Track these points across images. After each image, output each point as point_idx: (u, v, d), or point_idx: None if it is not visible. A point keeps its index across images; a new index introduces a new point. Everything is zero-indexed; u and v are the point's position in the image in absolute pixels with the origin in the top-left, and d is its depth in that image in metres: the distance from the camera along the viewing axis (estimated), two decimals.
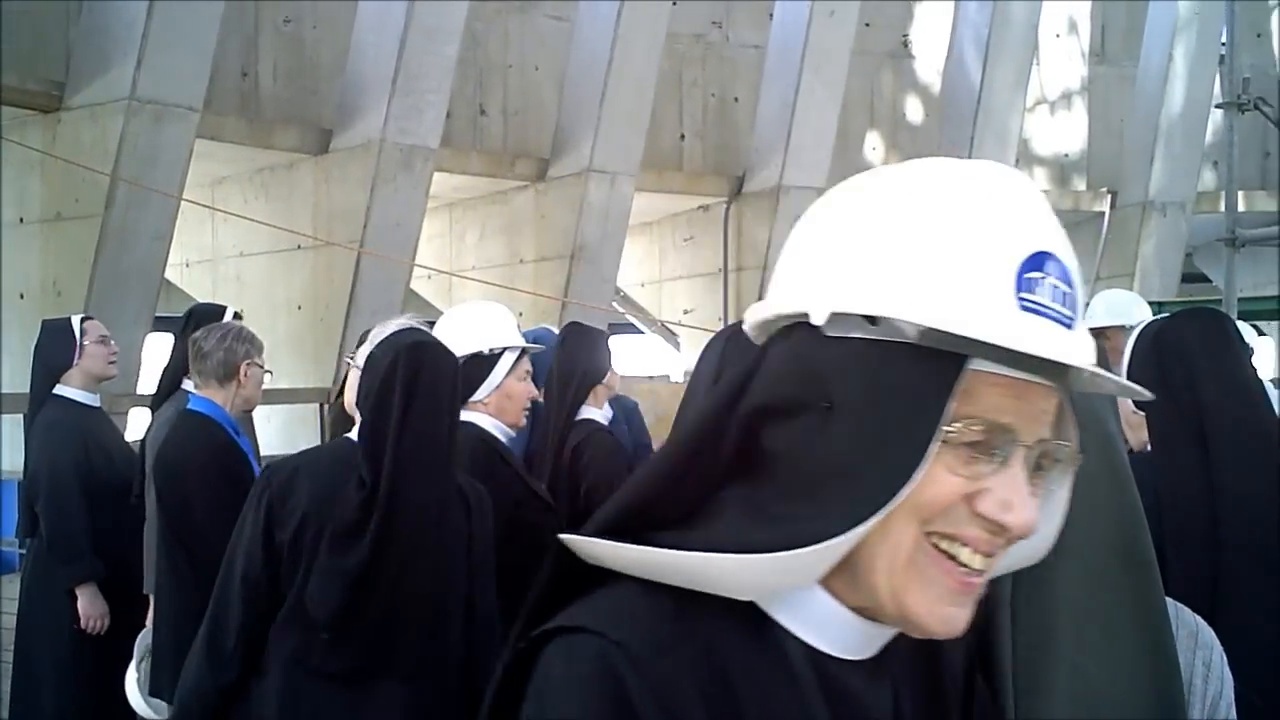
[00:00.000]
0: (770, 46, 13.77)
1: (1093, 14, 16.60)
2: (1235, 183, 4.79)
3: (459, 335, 3.06)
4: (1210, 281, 15.42)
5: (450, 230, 13.71)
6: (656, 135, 14.05)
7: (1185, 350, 2.14)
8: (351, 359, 2.65)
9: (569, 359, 3.64)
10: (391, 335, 2.49)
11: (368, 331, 2.97)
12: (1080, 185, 16.25)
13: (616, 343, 4.09)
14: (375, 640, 2.33)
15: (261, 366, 3.91)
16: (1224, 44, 16.60)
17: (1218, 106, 4.92)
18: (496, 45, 13.75)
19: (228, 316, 4.56)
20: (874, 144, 16.07)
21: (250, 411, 4.28)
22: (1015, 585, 1.12)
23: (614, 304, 14.45)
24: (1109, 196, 15.29)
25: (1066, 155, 16.47)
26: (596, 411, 3.61)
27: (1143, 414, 2.24)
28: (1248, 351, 2.19)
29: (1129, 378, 2.36)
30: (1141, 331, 2.28)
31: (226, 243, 10.97)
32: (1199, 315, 2.30)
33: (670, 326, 14.86)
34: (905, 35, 16.24)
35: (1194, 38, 13.89)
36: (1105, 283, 14.71)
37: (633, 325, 15.87)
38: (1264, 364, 5.94)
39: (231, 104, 11.41)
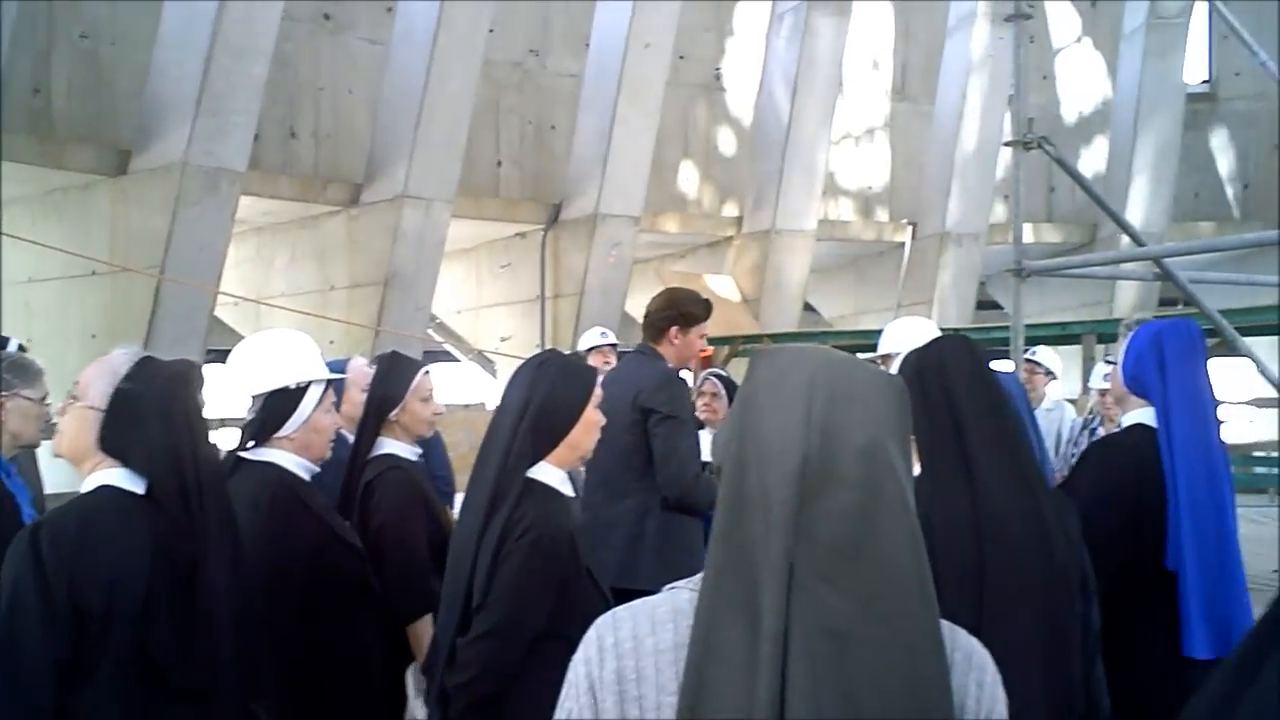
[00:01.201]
0: (587, 76, 13.90)
1: (894, 54, 17.39)
2: (1021, 216, 5.09)
3: (262, 368, 2.93)
4: (1002, 308, 16.27)
5: (258, 255, 13.30)
6: (473, 162, 13.98)
7: (944, 374, 2.27)
8: (75, 399, 2.31)
9: (373, 390, 3.54)
10: (148, 367, 2.28)
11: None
12: (883, 216, 16.94)
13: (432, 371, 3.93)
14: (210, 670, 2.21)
15: (33, 399, 3.59)
16: (1013, 85, 17.69)
17: (1005, 144, 5.21)
18: (308, 67, 13.46)
19: (11, 347, 4.27)
20: (688, 174, 16.39)
21: (33, 447, 3.98)
22: (790, 615, 1.17)
23: (430, 332, 14.26)
24: (910, 228, 15.99)
25: (870, 188, 17.15)
26: (398, 445, 3.44)
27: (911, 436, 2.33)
28: (996, 373, 2.35)
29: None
30: (906, 357, 2.40)
31: (14, 268, 10.34)
32: (956, 341, 2.45)
33: (487, 354, 14.76)
34: (718, 69, 16.66)
35: (986, 79, 14.70)
36: (906, 310, 15.35)
37: (449, 353, 15.69)
38: (1056, 384, 6.33)
39: (21, 122, 10.78)
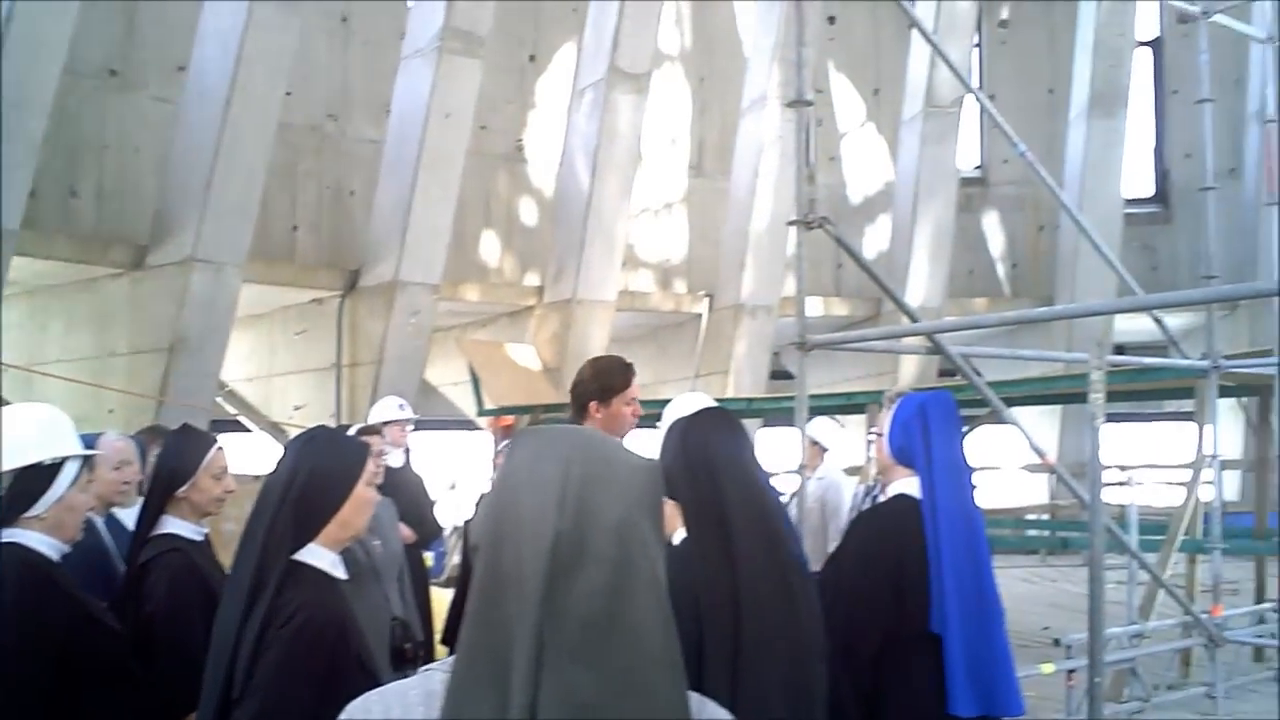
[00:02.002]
0: (387, 143, 13.81)
1: (691, 131, 17.95)
2: (804, 292, 5.30)
3: (10, 443, 2.77)
4: (794, 378, 16.83)
5: (31, 320, 12.55)
6: (268, 225, 13.64)
7: (707, 445, 2.37)
8: None
9: (160, 464, 3.36)
10: None
11: None
12: (681, 288, 17.35)
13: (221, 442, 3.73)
14: None
15: None
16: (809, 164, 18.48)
17: (790, 224, 5.43)
18: (92, 123, 12.90)
19: None
20: (489, 243, 16.41)
21: None
22: (540, 693, 1.18)
23: (219, 400, 13.73)
24: (706, 299, 16.41)
25: (669, 260, 17.55)
26: (182, 524, 3.26)
27: (676, 503, 2.39)
28: (752, 445, 2.46)
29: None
30: (670, 427, 2.49)
31: None
32: (718, 414, 2.56)
33: (280, 424, 14.28)
34: (520, 140, 16.82)
35: (777, 158, 15.31)
36: (703, 380, 15.72)
37: (239, 423, 15.11)
38: (832, 455, 6.55)
39: None
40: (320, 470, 2.38)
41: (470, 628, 1.26)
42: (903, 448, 2.86)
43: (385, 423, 6.46)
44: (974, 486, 2.85)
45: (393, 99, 13.80)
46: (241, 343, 14.01)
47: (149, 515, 3.28)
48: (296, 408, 14.04)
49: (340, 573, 2.42)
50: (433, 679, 1.33)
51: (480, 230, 16.33)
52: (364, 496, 2.43)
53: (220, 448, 3.46)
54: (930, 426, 2.82)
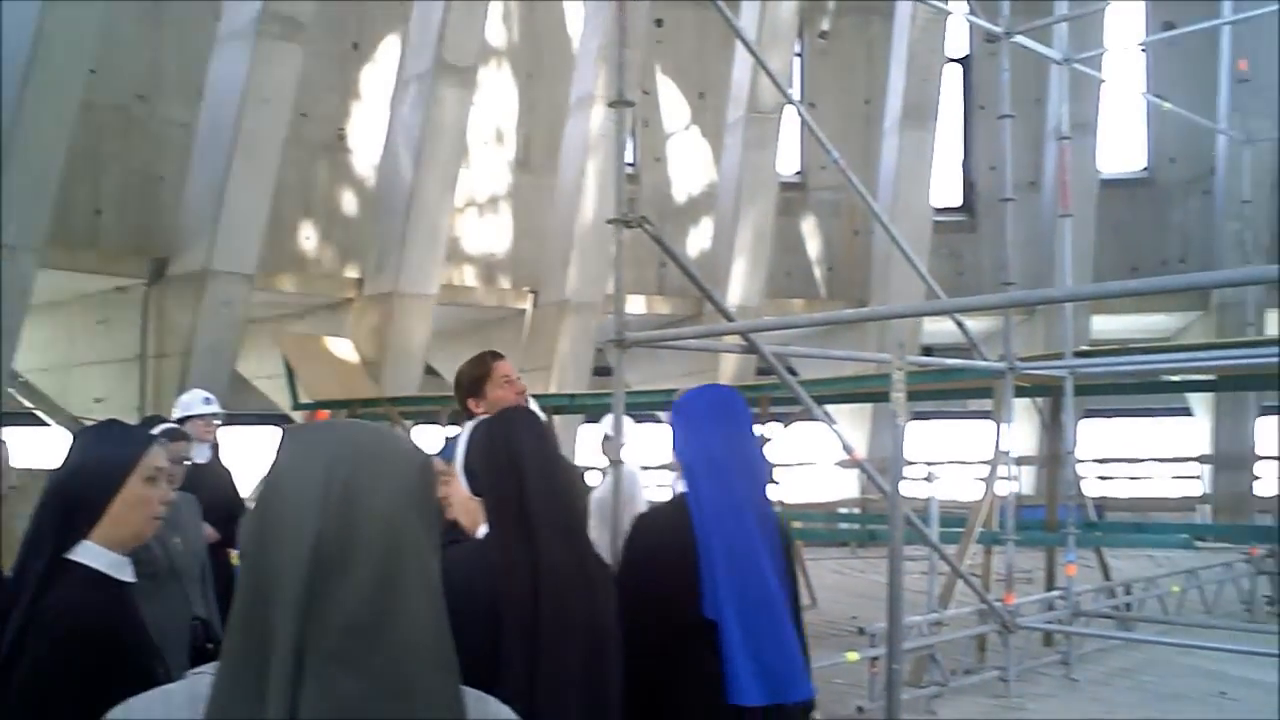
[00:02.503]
0: (200, 127, 13.27)
1: (517, 126, 17.87)
2: (622, 291, 5.32)
3: None
4: None
5: None
6: (69, 209, 12.96)
7: (510, 441, 2.40)
8: None
9: None
10: None
11: None
12: (506, 284, 17.26)
13: (12, 436, 3.50)
14: None
15: None
16: (630, 164, 18.65)
17: (609, 222, 5.45)
18: None
19: None
20: (308, 233, 15.97)
21: None
22: (299, 701, 1.16)
23: (10, 391, 12.94)
24: (531, 295, 16.37)
25: (493, 255, 17.44)
26: None
27: (478, 499, 2.41)
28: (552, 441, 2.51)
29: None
30: (476, 424, 2.52)
31: None
32: (522, 411, 2.64)
33: (79, 418, 13.56)
34: (341, 129, 16.43)
35: (603, 156, 15.38)
36: (527, 375, 15.61)
37: (34, 416, 14.28)
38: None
39: None
40: (88, 464, 2.19)
41: (232, 633, 1.23)
42: (672, 445, 2.94)
43: (189, 417, 6.21)
44: (753, 479, 2.87)
45: (206, 82, 13.28)
46: (38, 331, 13.24)
47: None
48: (97, 400, 13.36)
49: (126, 575, 2.20)
50: (200, 682, 1.28)
51: (299, 220, 15.88)
52: (137, 494, 2.21)
53: (2, 441, 3.27)
54: (688, 421, 2.88)
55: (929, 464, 12.86)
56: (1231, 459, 16.29)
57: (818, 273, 19.44)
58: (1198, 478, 17.55)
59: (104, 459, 2.21)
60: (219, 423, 6.53)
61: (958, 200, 20.05)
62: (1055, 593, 8.22)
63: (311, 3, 13.33)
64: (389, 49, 16.36)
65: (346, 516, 1.23)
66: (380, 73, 16.37)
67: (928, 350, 16.30)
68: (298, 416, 13.08)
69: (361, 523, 1.23)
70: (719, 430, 2.85)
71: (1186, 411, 18.21)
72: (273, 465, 1.29)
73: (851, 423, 16.27)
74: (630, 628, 2.50)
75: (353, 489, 1.24)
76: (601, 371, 16.68)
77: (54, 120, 11.25)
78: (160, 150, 14.49)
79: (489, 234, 17.45)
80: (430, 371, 15.88)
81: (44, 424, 14.32)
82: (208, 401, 6.47)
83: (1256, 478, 11.64)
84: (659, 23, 18.32)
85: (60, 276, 12.57)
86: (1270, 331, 14.42)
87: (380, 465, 1.28)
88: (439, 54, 14.41)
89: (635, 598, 2.58)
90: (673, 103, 19.10)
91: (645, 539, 2.86)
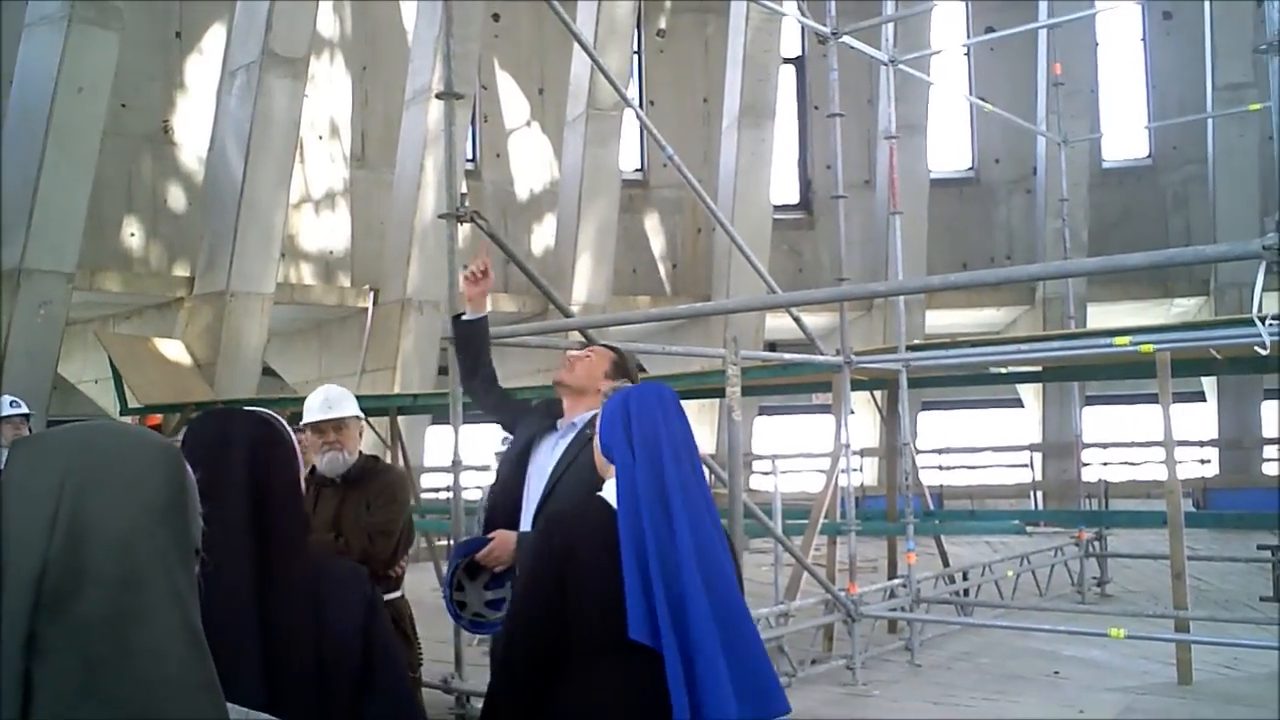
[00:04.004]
0: (8, 115, 12.51)
1: (353, 120, 17.43)
2: (456, 288, 5.24)
3: None
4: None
5: None
6: None
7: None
8: None
9: None
10: None
11: None
12: (345, 281, 16.82)
13: None
14: None
15: None
16: (470, 160, 18.42)
17: (440, 217, 5.35)
18: None
19: None
20: (132, 229, 15.25)
21: None
22: None
23: None
24: (372, 293, 15.98)
25: (332, 252, 16.97)
26: None
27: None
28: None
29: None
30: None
31: None
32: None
33: None
34: (166, 121, 15.73)
35: (441, 151, 15.12)
36: (370, 375, 15.30)
37: None
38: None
39: None
40: None
41: None
42: (606, 445, 2.71)
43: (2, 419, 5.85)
44: (690, 481, 2.65)
45: (16, 69, 12.52)
46: None
47: None
48: None
49: None
50: None
51: (122, 215, 15.15)
52: None
53: None
54: (629, 418, 2.61)
55: (774, 458, 13.07)
56: (1058, 447, 17.08)
57: (662, 269, 19.57)
58: (1028, 466, 18.37)
59: None
60: (29, 424, 6.16)
61: (796, 198, 20.47)
62: (897, 581, 8.43)
63: None
64: (214, 38, 15.74)
65: (77, 536, 1.10)
66: (206, 63, 15.75)
67: (772, 346, 16.58)
68: (127, 421, 12.47)
69: (95, 541, 1.11)
70: (660, 424, 2.64)
71: (1018, 403, 19.03)
72: (4, 480, 1.16)
73: (698, 419, 16.43)
74: (505, 651, 2.38)
75: (85, 503, 1.12)
76: (446, 370, 16.43)
77: None
78: None
79: (326, 231, 16.98)
80: (268, 372, 15.37)
81: None
82: (14, 404, 6.17)
83: (1083, 465, 12.24)
84: (496, 17, 18.15)
85: None
86: (1091, 325, 15.17)
87: (117, 471, 1.15)
88: (267, 44, 13.92)
89: (513, 620, 2.44)
90: (512, 98, 18.94)
91: (536, 558, 2.58)
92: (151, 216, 15.46)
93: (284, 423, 2.11)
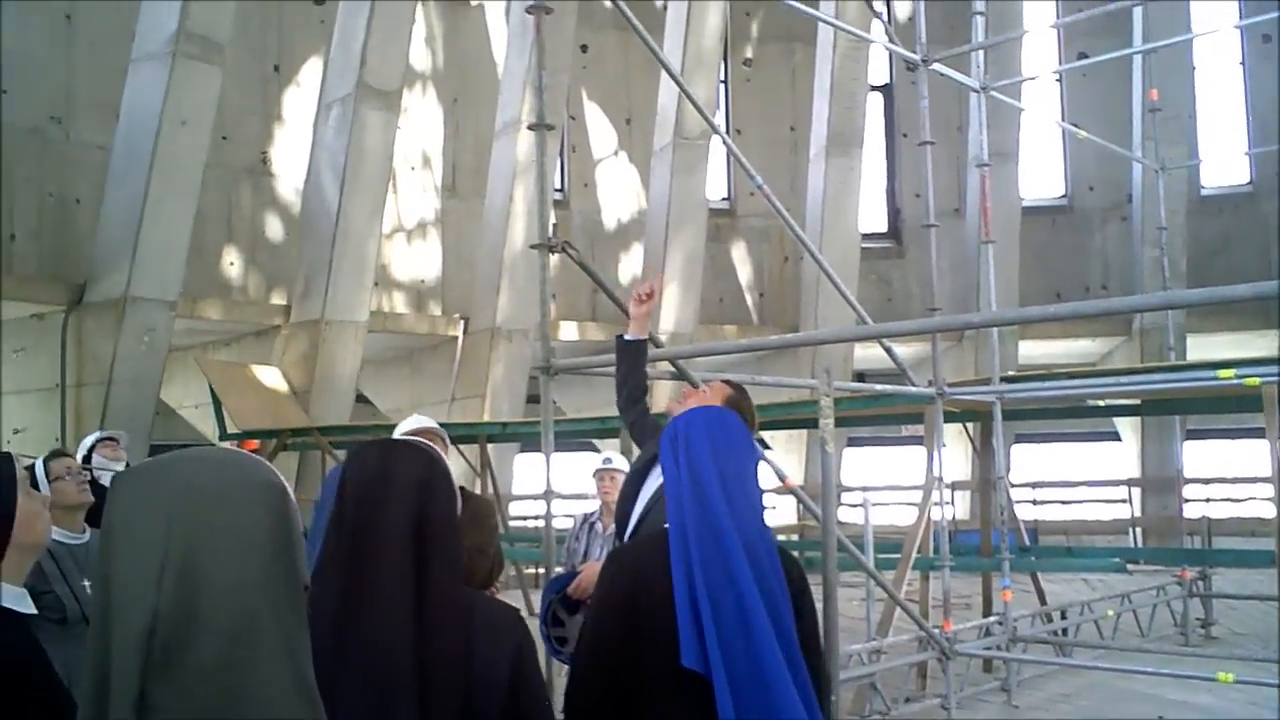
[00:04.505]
0: (116, 148, 12.94)
1: (444, 151, 17.72)
2: (548, 317, 5.27)
3: None
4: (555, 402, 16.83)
5: None
6: None
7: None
8: None
9: None
10: None
11: None
12: (436, 310, 17.06)
13: None
14: None
15: None
16: (559, 190, 18.59)
17: (532, 247, 5.39)
18: None
19: None
20: (232, 258, 15.66)
21: None
22: None
23: None
24: (462, 322, 16.19)
25: (423, 281, 17.24)
26: None
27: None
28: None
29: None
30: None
31: None
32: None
33: None
34: (265, 152, 16.15)
35: (531, 182, 15.29)
36: (460, 403, 15.47)
37: None
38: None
39: None
40: None
41: (85, 706, 1.10)
42: (663, 469, 2.71)
43: (96, 442, 6.01)
44: (747, 508, 2.61)
45: (122, 103, 12.96)
46: None
47: None
48: (16, 431, 12.92)
49: (27, 607, 2.09)
50: None
51: (222, 245, 15.56)
52: (29, 508, 2.09)
53: None
54: (681, 447, 2.57)
55: (865, 490, 12.90)
56: (1159, 482, 16.59)
57: (749, 299, 19.51)
58: (1126, 501, 17.88)
59: None
60: (124, 445, 6.31)
61: (884, 226, 20.29)
62: (993, 618, 8.25)
63: (229, 23, 13.09)
64: (311, 72, 16.15)
65: (187, 589, 1.09)
66: (303, 96, 16.15)
67: (860, 376, 16.42)
68: (227, 446, 12.76)
69: (205, 593, 1.09)
70: (712, 454, 2.59)
71: (1115, 436, 18.56)
72: (107, 522, 1.15)
73: (786, 450, 16.30)
74: (571, 682, 2.37)
75: (194, 552, 1.10)
76: (536, 399, 16.53)
77: None
78: (76, 173, 14.13)
79: (418, 260, 17.26)
80: (361, 399, 15.64)
81: None
82: (104, 432, 6.35)
83: (1184, 501, 11.85)
84: (584, 48, 18.33)
85: None
86: (1191, 356, 14.75)
87: (227, 515, 1.14)
88: (361, 77, 14.24)
89: (581, 652, 2.43)
90: (600, 128, 19.09)
91: (604, 587, 2.58)
92: (250, 246, 15.86)
93: (444, 458, 2.15)
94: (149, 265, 12.60)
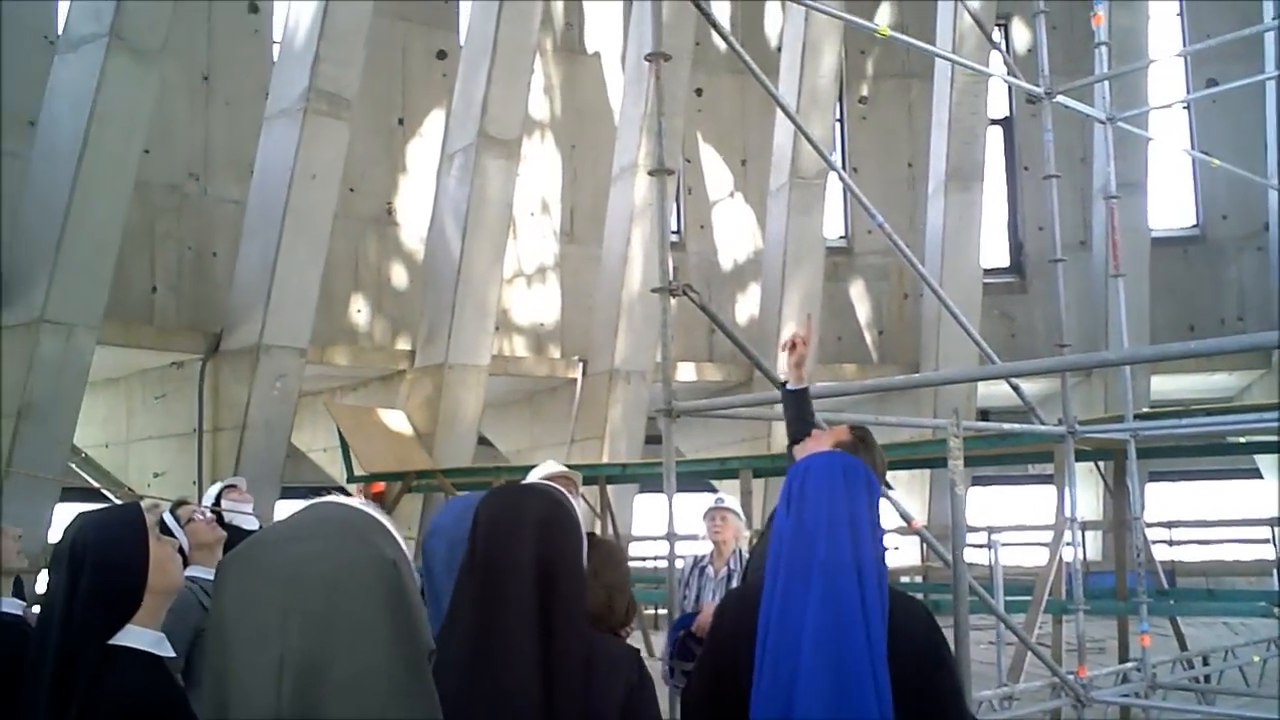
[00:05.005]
0: (251, 202, 13.50)
1: (562, 196, 18.01)
2: (669, 360, 5.28)
3: None
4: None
5: None
6: (125, 287, 13.17)
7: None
8: None
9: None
10: None
11: None
12: (555, 353, 17.28)
13: (77, 511, 3.46)
14: None
15: None
16: (675, 232, 18.71)
17: (653, 290, 5.43)
18: None
19: None
20: (359, 306, 16.11)
21: None
22: None
23: (73, 467, 13.08)
24: (581, 364, 16.37)
25: (543, 325, 17.49)
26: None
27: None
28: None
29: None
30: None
31: None
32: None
33: (138, 493, 13.67)
34: (390, 203, 16.63)
35: (648, 225, 15.45)
36: (579, 445, 15.61)
37: (95, 490, 14.42)
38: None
39: None
40: (109, 555, 2.09)
41: None
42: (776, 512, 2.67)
43: (224, 487, 6.21)
44: (844, 557, 2.54)
45: (256, 159, 13.52)
46: (97, 407, 13.42)
47: None
48: (156, 474, 13.47)
49: (166, 650, 2.16)
50: None
51: (349, 293, 16.04)
52: (161, 553, 2.18)
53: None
54: (804, 495, 2.50)
55: (991, 530, 12.59)
56: None
57: (868, 337, 19.30)
58: (1269, 541, 17.06)
59: (119, 544, 2.15)
60: (243, 489, 6.48)
61: (1006, 261, 19.90)
62: (1130, 664, 7.93)
63: (357, 80, 13.57)
64: (434, 123, 16.60)
65: (307, 688, 1.06)
66: (426, 147, 16.60)
67: (984, 413, 16.07)
68: (352, 489, 13.09)
69: (325, 689, 1.06)
70: (823, 502, 2.52)
71: (1255, 473, 17.78)
72: (217, 610, 1.12)
73: (909, 489, 16.03)
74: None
75: (309, 648, 1.06)
76: (654, 440, 16.60)
77: (110, 200, 11.49)
78: (213, 227, 14.74)
79: (538, 304, 17.53)
80: (483, 441, 15.88)
81: (105, 499, 14.44)
82: (227, 480, 6.52)
83: None
84: (699, 91, 18.47)
85: (118, 353, 12.76)
86: None
87: (340, 607, 1.08)
88: (482, 127, 14.59)
89: (706, 683, 2.43)
90: (716, 170, 19.18)
91: (713, 631, 2.61)
92: (376, 293, 16.31)
93: (573, 502, 2.21)
94: (281, 314, 13.05)
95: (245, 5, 15.30)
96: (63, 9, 12.40)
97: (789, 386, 4.31)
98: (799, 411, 4.28)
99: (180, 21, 12.67)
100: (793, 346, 4.27)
